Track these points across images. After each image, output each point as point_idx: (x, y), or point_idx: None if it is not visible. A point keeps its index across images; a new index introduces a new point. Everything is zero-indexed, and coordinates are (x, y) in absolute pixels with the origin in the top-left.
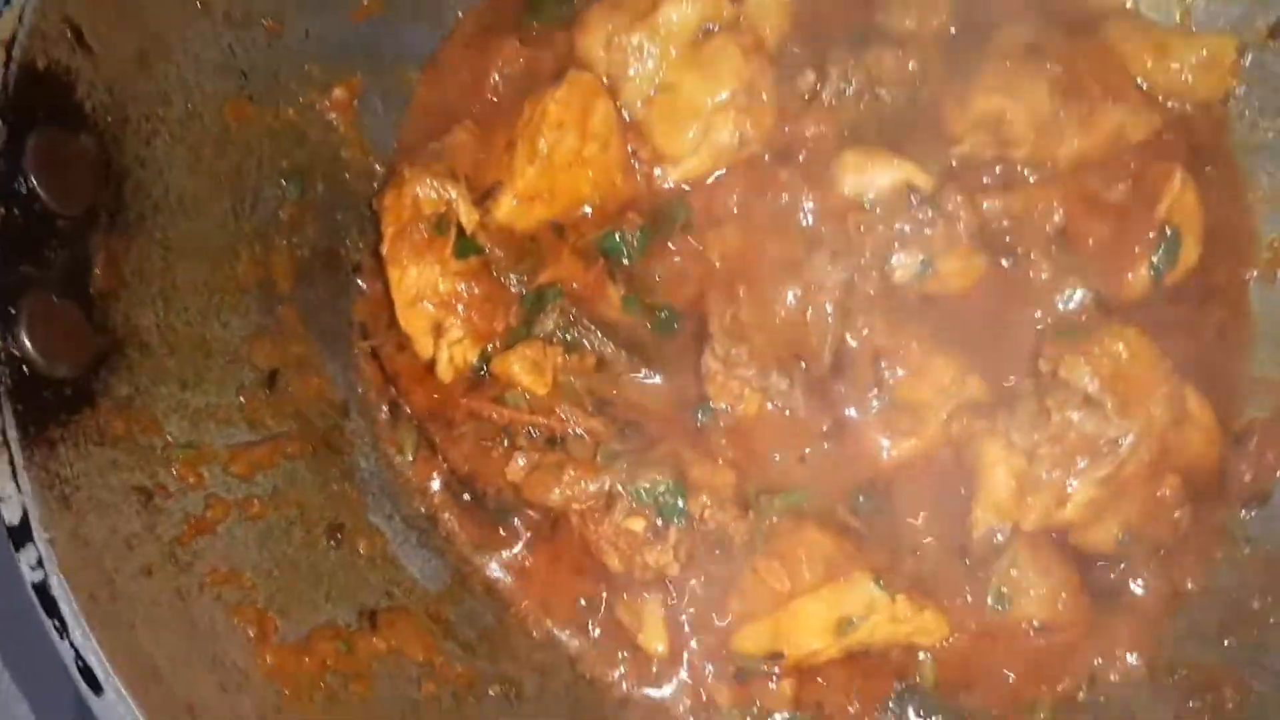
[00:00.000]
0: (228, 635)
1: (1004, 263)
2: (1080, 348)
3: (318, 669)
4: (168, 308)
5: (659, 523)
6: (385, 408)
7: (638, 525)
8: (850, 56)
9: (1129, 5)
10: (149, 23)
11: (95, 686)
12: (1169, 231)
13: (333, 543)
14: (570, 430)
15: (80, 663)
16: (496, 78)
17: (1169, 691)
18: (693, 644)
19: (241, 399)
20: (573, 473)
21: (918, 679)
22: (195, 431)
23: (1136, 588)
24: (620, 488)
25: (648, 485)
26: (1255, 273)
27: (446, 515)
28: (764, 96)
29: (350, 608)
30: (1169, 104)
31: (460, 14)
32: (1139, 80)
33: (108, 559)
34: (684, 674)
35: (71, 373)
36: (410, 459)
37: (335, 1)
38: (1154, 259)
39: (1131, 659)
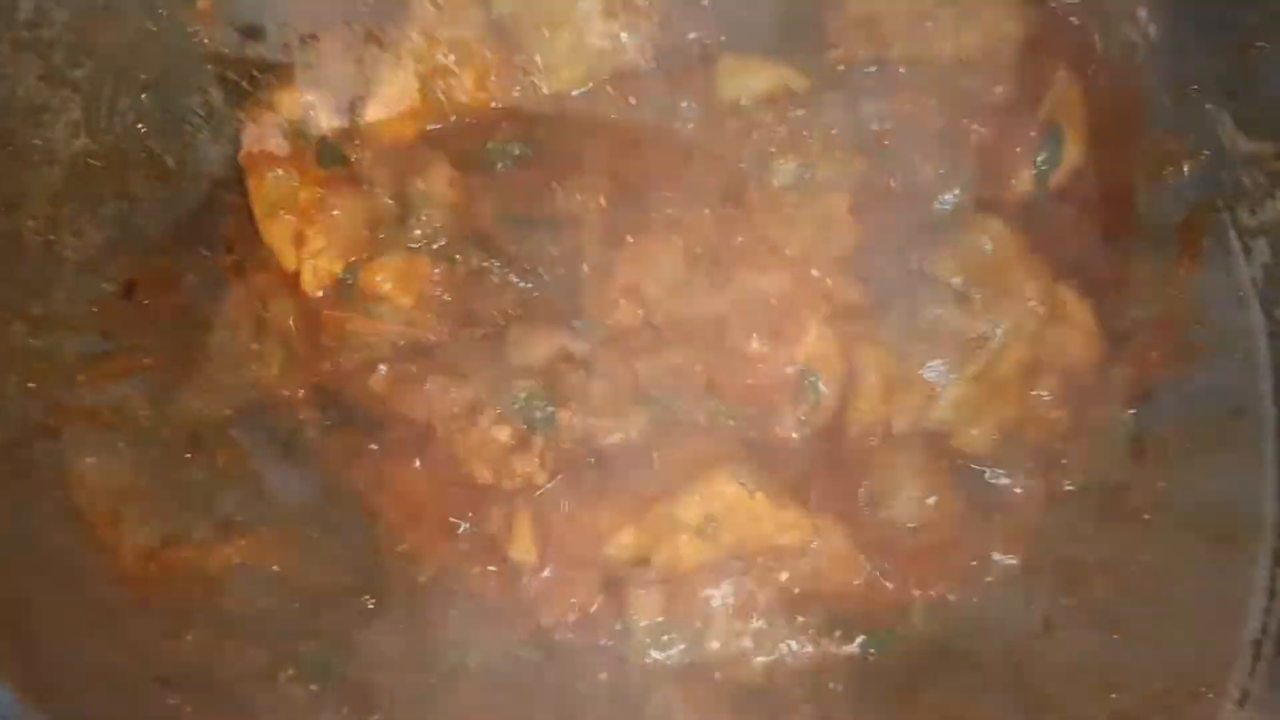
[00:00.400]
0: (68, 539)
1: (883, 166)
2: (947, 242)
3: (166, 574)
4: (14, 215)
5: (525, 431)
6: (249, 321)
7: (503, 434)
8: None
9: None
10: None
11: None
12: (1052, 132)
13: (189, 455)
14: (437, 341)
15: None
16: None
17: (1041, 590)
18: (563, 553)
19: (95, 309)
20: (438, 382)
21: (794, 588)
22: (41, 339)
23: (1013, 489)
24: (486, 397)
25: (514, 394)
26: (1142, 172)
27: (312, 429)
28: (638, 1)
29: (207, 519)
30: (1052, 1)
31: None
32: None
33: None
34: (554, 583)
35: None
36: (275, 373)
37: None
38: (1037, 160)
39: (1006, 560)
